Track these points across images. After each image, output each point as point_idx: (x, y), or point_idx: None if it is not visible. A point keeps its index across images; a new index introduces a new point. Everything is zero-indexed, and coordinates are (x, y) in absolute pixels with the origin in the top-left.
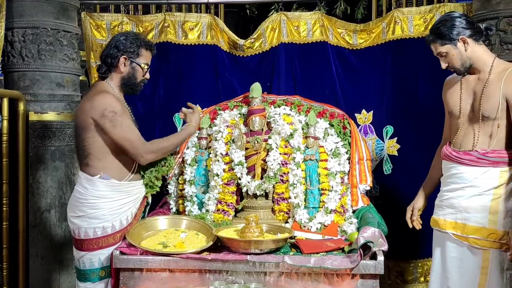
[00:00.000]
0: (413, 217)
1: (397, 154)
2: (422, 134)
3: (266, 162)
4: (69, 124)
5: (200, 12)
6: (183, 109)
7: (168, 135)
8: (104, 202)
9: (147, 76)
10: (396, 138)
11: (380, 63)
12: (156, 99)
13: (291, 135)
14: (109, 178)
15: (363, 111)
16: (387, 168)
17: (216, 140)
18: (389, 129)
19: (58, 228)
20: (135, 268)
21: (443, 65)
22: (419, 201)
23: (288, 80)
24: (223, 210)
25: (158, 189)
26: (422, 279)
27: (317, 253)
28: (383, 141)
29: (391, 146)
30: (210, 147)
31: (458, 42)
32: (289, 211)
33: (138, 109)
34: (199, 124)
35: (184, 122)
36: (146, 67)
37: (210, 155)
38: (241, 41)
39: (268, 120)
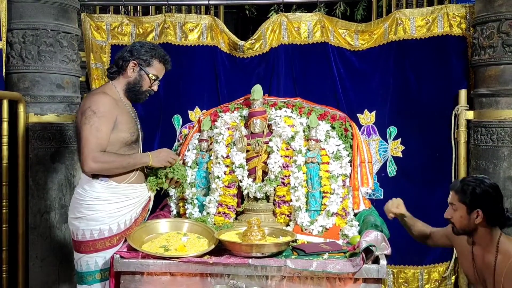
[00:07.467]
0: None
1: (401, 156)
2: (427, 135)
3: (267, 165)
4: (69, 126)
5: (200, 13)
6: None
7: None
8: (102, 204)
9: (155, 88)
10: (400, 139)
11: (382, 63)
12: (156, 100)
13: (292, 137)
14: (107, 180)
15: (366, 111)
16: (392, 170)
17: (217, 142)
18: (393, 130)
19: (58, 230)
20: (136, 272)
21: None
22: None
23: (288, 81)
24: (224, 213)
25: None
26: (427, 286)
27: (319, 252)
28: (387, 142)
29: (395, 148)
30: (211, 149)
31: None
32: (291, 214)
33: (138, 110)
34: (161, 161)
35: (184, 123)
36: (154, 78)
37: (211, 158)
38: (241, 42)
39: (269, 123)
